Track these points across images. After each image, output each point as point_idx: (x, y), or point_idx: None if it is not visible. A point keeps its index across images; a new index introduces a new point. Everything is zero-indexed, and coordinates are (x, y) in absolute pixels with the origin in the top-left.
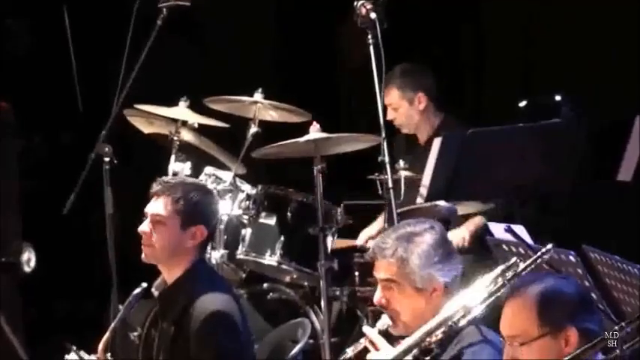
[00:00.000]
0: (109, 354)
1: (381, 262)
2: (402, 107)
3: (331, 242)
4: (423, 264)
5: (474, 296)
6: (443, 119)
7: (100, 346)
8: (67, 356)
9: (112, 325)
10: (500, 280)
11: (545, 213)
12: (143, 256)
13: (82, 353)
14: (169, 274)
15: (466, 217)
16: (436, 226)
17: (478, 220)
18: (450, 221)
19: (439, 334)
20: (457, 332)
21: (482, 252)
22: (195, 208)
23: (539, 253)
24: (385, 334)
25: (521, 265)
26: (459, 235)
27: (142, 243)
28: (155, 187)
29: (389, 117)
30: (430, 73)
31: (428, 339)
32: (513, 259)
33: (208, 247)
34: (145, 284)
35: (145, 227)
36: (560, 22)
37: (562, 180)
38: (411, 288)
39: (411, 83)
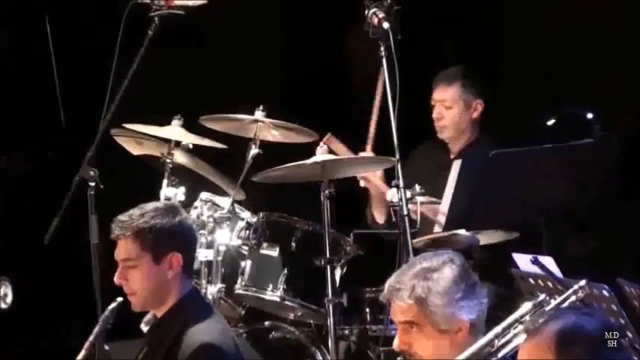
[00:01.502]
0: None
1: (398, 305)
2: (457, 108)
3: (339, 275)
4: (444, 302)
5: (499, 338)
6: (478, 135)
7: None
8: None
9: (88, 341)
10: (528, 320)
11: (575, 239)
12: (132, 307)
13: None
14: (160, 311)
15: (488, 248)
16: (456, 257)
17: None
18: (472, 253)
19: None
20: None
21: (504, 281)
22: (160, 236)
23: (570, 291)
24: None
25: (552, 303)
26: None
27: (126, 293)
28: (113, 229)
29: (435, 114)
30: None
31: None
32: (542, 296)
33: (204, 281)
34: (120, 299)
35: (119, 277)
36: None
37: (587, 200)
38: (433, 330)
39: (473, 87)
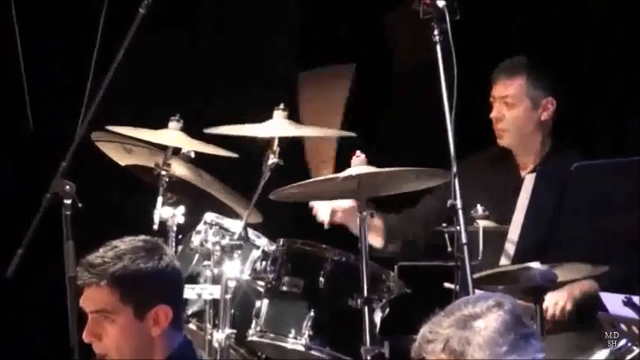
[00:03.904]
0: None
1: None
2: (521, 106)
3: (380, 318)
4: (485, 357)
5: None
6: (553, 145)
7: None
8: None
9: None
10: None
11: None
12: None
13: None
14: None
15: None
16: (505, 301)
17: (587, 285)
18: (547, 291)
19: None
20: None
21: (581, 326)
22: (145, 285)
23: None
24: None
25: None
26: (557, 302)
27: (98, 354)
28: (81, 274)
29: (494, 113)
30: None
31: None
32: (622, 342)
33: (209, 326)
34: None
35: (91, 334)
36: None
37: None
38: None
39: (543, 81)
